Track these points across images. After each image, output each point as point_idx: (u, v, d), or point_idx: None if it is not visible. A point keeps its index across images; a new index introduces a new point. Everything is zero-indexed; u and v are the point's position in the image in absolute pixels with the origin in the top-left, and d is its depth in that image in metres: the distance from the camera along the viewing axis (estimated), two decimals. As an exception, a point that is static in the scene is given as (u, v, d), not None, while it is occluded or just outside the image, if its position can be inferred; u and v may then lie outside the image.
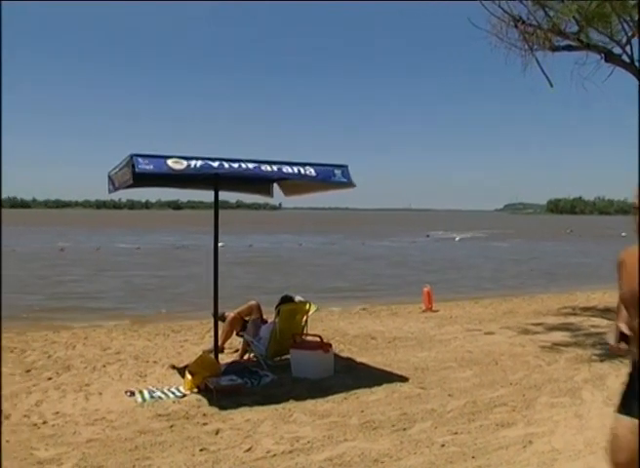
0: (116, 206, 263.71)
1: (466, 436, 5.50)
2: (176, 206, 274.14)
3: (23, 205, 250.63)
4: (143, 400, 6.76)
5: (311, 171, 7.13)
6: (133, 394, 6.96)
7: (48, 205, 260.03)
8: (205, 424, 5.91)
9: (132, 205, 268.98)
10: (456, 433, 5.58)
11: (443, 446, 5.25)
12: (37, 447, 5.30)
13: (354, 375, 7.72)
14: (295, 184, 8.66)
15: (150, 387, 7.25)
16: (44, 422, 5.98)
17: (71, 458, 5.01)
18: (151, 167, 6.31)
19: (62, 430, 5.75)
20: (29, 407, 6.50)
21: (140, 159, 6.30)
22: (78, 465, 4.87)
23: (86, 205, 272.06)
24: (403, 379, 7.52)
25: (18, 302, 16.38)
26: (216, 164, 6.69)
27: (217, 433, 5.63)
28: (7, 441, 5.44)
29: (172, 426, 5.85)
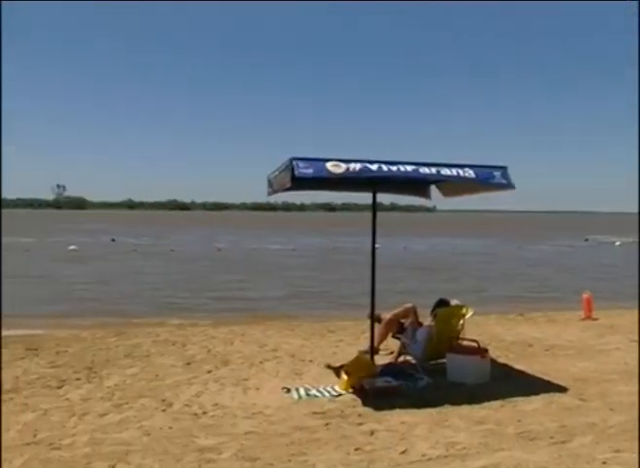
0: (272, 208, 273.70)
1: (630, 455, 5.19)
2: (330, 208, 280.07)
3: (183, 207, 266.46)
4: (299, 397, 7.02)
5: (470, 172, 7.09)
6: (289, 391, 7.24)
7: (206, 207, 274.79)
8: (360, 424, 6.03)
9: (287, 207, 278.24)
10: (618, 451, 5.29)
11: (604, 463, 5.01)
12: (198, 435, 5.67)
13: (511, 383, 7.57)
14: (453, 186, 8.65)
15: (306, 385, 7.50)
16: (204, 412, 6.40)
17: (230, 448, 5.32)
18: (311, 171, 6.54)
19: (221, 421, 6.12)
20: (190, 397, 6.98)
21: (299, 163, 6.54)
22: (236, 455, 5.16)
23: (242, 207, 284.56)
24: (562, 389, 7.29)
25: (174, 300, 17.58)
26: (374, 167, 6.80)
27: (372, 433, 5.73)
28: (170, 427, 5.89)
29: (327, 424, 6.03)
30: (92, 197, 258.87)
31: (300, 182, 6.82)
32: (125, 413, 6.36)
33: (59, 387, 7.44)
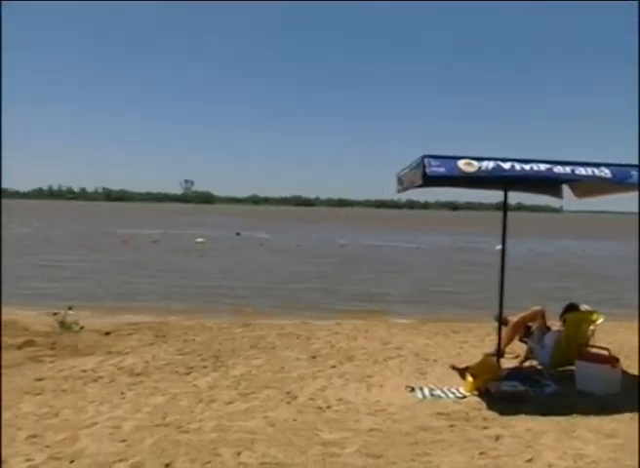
0: (396, 205, 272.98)
1: None
2: (453, 206, 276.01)
3: (307, 203, 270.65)
4: (423, 397, 7.01)
5: (606, 172, 6.78)
6: (413, 390, 7.25)
7: (331, 203, 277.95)
8: (485, 428, 5.95)
9: (411, 204, 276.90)
10: None
11: None
12: (321, 429, 5.78)
13: (642, 395, 7.17)
14: (587, 186, 8.33)
15: (430, 385, 7.47)
16: (328, 407, 6.51)
17: (353, 444, 5.39)
18: (442, 169, 6.51)
19: (345, 416, 6.20)
20: (314, 390, 7.13)
21: (431, 161, 6.53)
22: (360, 451, 5.22)
23: (366, 204, 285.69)
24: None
25: (299, 294, 17.92)
26: (507, 166, 6.69)
27: (497, 439, 5.64)
28: (294, 419, 6.03)
29: (451, 426, 5.98)
30: (219, 192, 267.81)
31: (429, 181, 6.79)
32: (250, 403, 6.58)
33: (186, 373, 7.80)
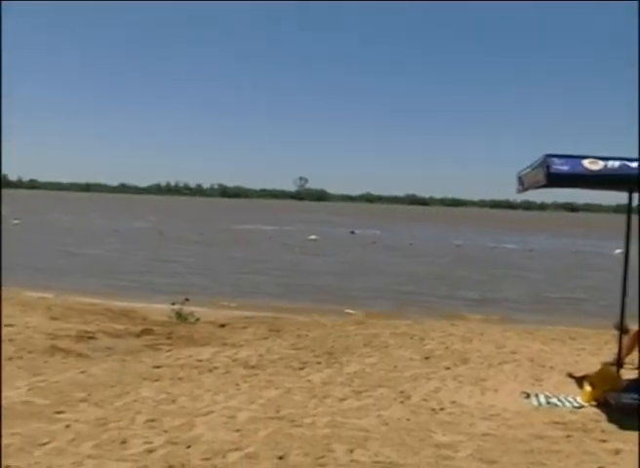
0: (511, 206, 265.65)
1: None
2: (571, 208, 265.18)
3: (421, 202, 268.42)
4: (539, 404, 6.79)
5: None
6: (528, 396, 7.04)
7: (445, 203, 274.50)
8: (604, 441, 5.68)
9: (527, 205, 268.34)
10: None
11: None
12: (435, 430, 5.72)
13: None
14: None
15: (547, 392, 7.23)
16: (441, 409, 6.43)
17: (467, 448, 5.30)
18: (566, 168, 6.31)
19: (459, 419, 6.11)
20: (428, 392, 7.06)
21: (555, 159, 6.34)
22: (473, 456, 5.13)
23: (481, 204, 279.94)
24: None
25: (413, 294, 17.83)
26: (634, 165, 6.42)
27: (617, 453, 5.37)
28: (407, 419, 6.00)
29: (568, 436, 5.76)
30: (332, 190, 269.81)
31: (553, 180, 6.60)
32: (364, 401, 6.59)
33: (300, 368, 7.91)
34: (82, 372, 7.33)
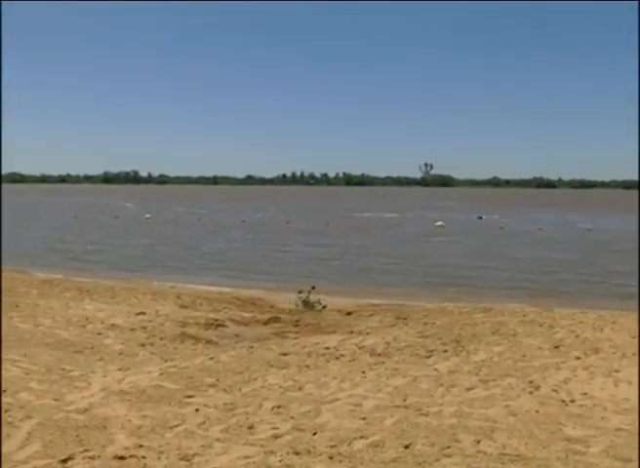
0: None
1: None
2: None
3: (549, 185, 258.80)
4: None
5: None
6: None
7: (573, 185, 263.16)
8: None
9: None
10: None
11: None
12: (565, 423, 5.48)
13: None
14: None
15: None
16: (572, 401, 6.16)
17: (599, 443, 5.03)
18: None
19: (590, 412, 5.83)
20: (558, 382, 6.78)
21: None
22: (606, 452, 4.86)
23: (613, 185, 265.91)
24: None
25: (540, 281, 17.25)
26: None
27: None
28: (536, 411, 5.79)
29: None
30: (458, 175, 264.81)
31: None
32: (491, 390, 6.43)
33: (427, 357, 7.82)
34: (211, 359, 7.58)
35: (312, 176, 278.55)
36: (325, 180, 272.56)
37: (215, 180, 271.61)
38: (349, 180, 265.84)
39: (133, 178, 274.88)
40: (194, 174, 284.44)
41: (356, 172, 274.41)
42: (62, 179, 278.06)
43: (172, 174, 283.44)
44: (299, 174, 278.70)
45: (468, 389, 6.45)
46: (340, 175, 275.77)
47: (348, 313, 11.34)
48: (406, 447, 4.83)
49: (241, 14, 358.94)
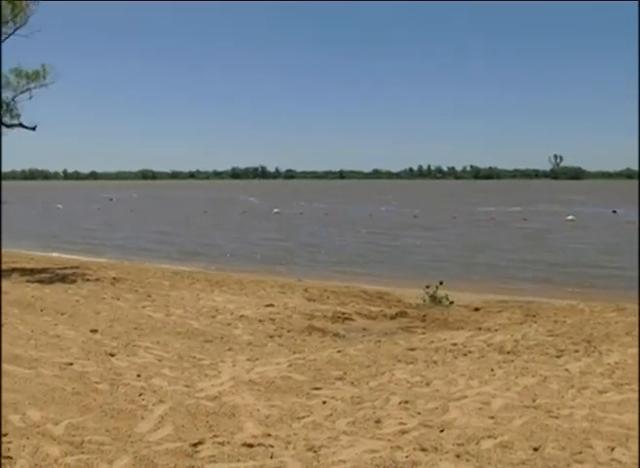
0: None
1: None
2: None
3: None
4: None
5: None
6: None
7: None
8: None
9: None
10: None
11: None
12: None
13: None
14: None
15: None
16: None
17: None
18: None
19: None
20: None
21: None
22: None
23: None
24: None
25: None
26: None
27: None
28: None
29: None
30: (589, 167, 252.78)
31: None
32: (625, 394, 6.07)
33: (557, 356, 7.51)
34: (338, 352, 7.63)
35: (439, 170, 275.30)
36: (452, 174, 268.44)
37: (341, 175, 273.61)
38: (477, 174, 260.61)
39: (260, 174, 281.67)
40: (321, 168, 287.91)
41: (484, 165, 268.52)
42: (192, 175, 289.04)
43: (299, 168, 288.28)
44: (425, 167, 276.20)
45: (601, 392, 6.13)
46: (468, 168, 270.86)
47: (476, 309, 11.10)
48: (535, 449, 4.66)
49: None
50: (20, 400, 5.81)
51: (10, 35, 15.86)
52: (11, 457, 4.58)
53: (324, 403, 5.73)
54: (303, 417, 5.35)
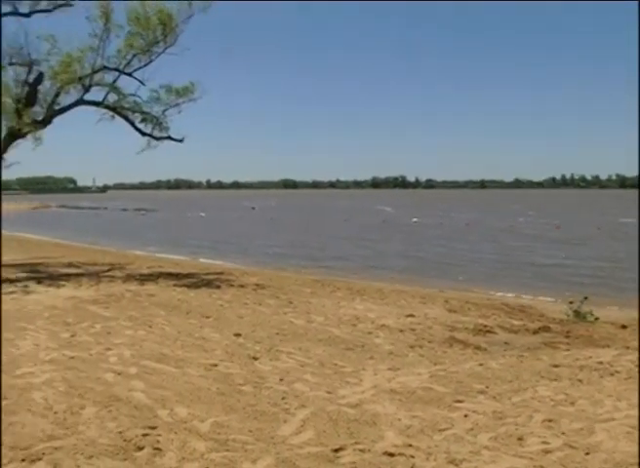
0: None
1: None
2: None
3: None
4: None
5: None
6: None
7: None
8: None
9: None
10: None
11: None
12: None
13: None
14: None
15: None
16: None
17: None
18: None
19: None
20: None
21: None
22: None
23: None
24: None
25: None
26: None
27: None
28: None
29: None
30: None
31: None
32: None
33: None
34: (480, 365, 7.48)
35: (583, 179, 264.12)
36: (596, 183, 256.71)
37: (482, 184, 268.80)
38: (623, 183, 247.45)
39: (400, 183, 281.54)
40: (461, 178, 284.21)
41: (631, 173, 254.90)
42: (332, 185, 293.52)
43: (439, 178, 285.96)
44: (568, 176, 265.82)
45: None
46: (613, 176, 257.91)
47: (623, 326, 10.51)
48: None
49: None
50: (168, 396, 6.16)
51: (160, 54, 16.88)
52: (160, 449, 4.86)
53: (465, 416, 5.64)
54: (445, 429, 5.29)
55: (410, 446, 4.92)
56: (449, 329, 9.80)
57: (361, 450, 4.84)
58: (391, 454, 4.75)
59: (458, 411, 5.79)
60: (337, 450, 4.85)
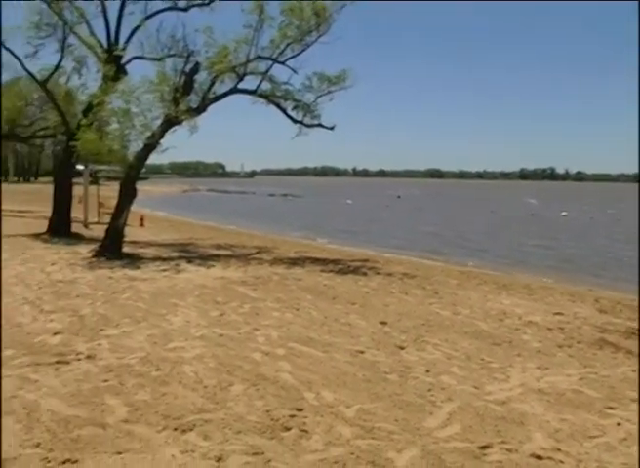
0: None
1: None
2: None
3: None
4: None
5: None
6: None
7: None
8: None
9: None
10: None
11: None
12: None
13: None
14: None
15: None
16: None
17: None
18: None
19: None
20: None
21: None
22: None
23: None
24: None
25: None
26: None
27: None
28: None
29: None
30: None
31: None
32: None
33: None
34: (633, 371, 7.08)
35: None
36: None
37: (637, 178, 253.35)
38: None
39: (549, 175, 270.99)
40: (614, 171, 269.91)
41: None
42: (479, 175, 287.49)
43: (589, 171, 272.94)
44: None
45: None
46: None
47: None
48: None
49: None
50: (315, 380, 6.30)
51: (313, 43, 17.06)
52: (307, 431, 4.99)
53: (618, 424, 5.37)
54: (596, 437, 5.07)
55: (559, 450, 4.77)
56: (599, 330, 9.34)
57: (508, 450, 4.75)
58: (539, 457, 4.63)
59: (609, 419, 5.52)
60: (483, 448, 4.79)
